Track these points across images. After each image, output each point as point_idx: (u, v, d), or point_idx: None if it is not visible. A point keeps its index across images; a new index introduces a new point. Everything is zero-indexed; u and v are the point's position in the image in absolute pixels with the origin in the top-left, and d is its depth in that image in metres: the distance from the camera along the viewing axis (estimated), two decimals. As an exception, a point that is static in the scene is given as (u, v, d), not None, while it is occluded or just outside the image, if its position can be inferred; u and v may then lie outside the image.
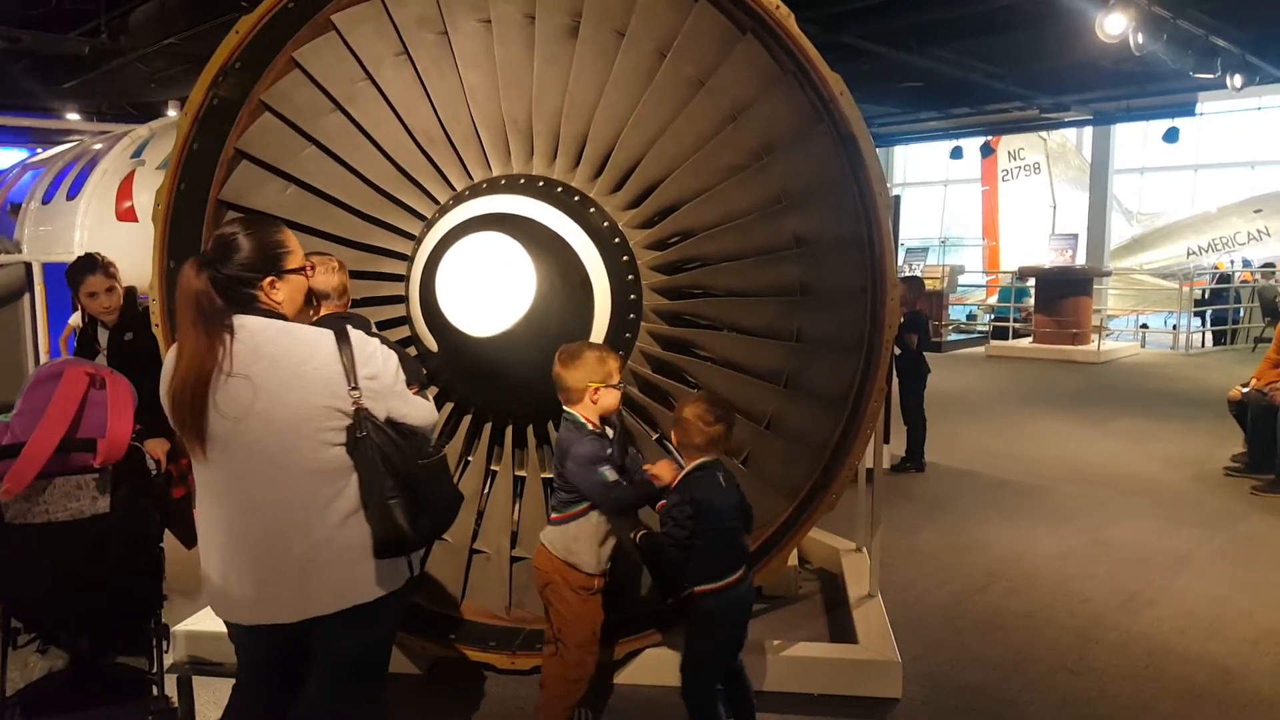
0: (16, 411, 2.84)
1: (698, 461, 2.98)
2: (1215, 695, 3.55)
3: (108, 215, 8.59)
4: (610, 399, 3.06)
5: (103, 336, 4.18)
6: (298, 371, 2.14)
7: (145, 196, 8.19)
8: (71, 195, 9.21)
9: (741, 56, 3.44)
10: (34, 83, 11.79)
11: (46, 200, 9.90)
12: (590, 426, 3.03)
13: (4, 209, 10.53)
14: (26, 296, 9.23)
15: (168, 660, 3.05)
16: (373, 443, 2.16)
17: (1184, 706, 3.48)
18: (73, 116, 13.29)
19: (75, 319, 7.26)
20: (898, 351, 6.58)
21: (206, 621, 3.87)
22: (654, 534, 2.98)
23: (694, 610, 2.97)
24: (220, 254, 2.20)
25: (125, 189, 8.50)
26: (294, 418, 2.12)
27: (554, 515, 3.13)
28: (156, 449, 3.66)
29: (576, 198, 3.54)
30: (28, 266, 9.14)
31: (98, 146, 9.75)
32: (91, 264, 4.11)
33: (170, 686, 3.05)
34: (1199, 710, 3.46)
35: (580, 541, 3.06)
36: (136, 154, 8.73)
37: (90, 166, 9.20)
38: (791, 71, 3.40)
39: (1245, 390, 6.78)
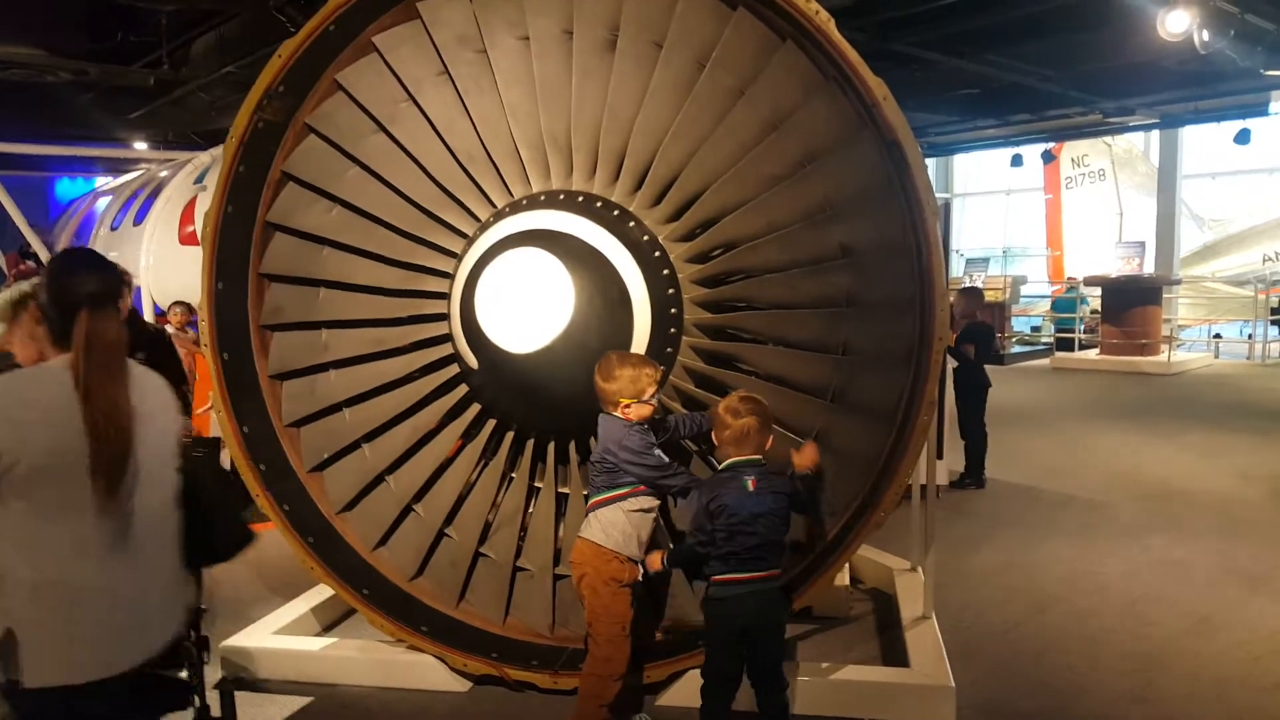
0: None
1: (727, 462, 3.02)
2: (1297, 727, 3.34)
3: (171, 239, 8.85)
4: (641, 412, 3.16)
5: None
6: (161, 402, 2.16)
7: (206, 220, 8.42)
8: (138, 221, 9.53)
9: (781, 64, 3.38)
10: (103, 114, 12.29)
11: (115, 226, 10.27)
12: (634, 423, 3.15)
13: (87, 226, 10.92)
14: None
15: (210, 673, 3.08)
16: (203, 464, 2.30)
17: (1261, 738, 3.28)
18: (140, 145, 13.79)
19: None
20: (954, 364, 6.41)
21: (252, 638, 3.92)
22: (680, 546, 3.17)
23: (705, 600, 3.04)
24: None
25: (188, 214, 8.75)
26: (166, 447, 2.15)
27: (593, 500, 3.21)
28: None
29: (616, 212, 3.51)
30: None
31: (164, 174, 10.08)
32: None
33: (210, 699, 3.06)
34: (1279, 743, 3.25)
35: (616, 526, 3.15)
36: (199, 180, 8.98)
37: (156, 193, 9.50)
38: (834, 78, 3.33)
39: None
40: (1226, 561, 5.06)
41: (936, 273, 3.24)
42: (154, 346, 4.31)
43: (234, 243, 3.84)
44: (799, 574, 3.42)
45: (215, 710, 3.06)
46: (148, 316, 9.00)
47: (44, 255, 9.88)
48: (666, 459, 3.17)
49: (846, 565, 4.18)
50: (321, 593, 4.31)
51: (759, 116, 3.44)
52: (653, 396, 3.17)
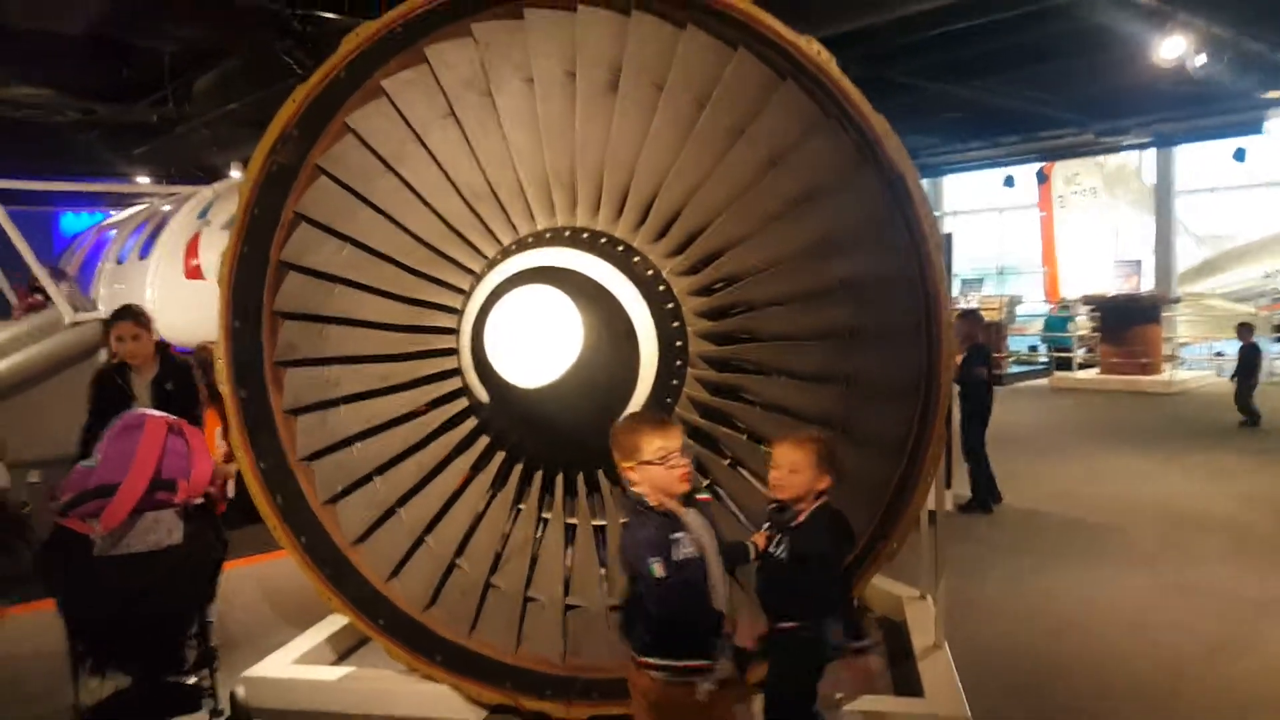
0: (101, 458, 3.22)
1: (821, 504, 2.93)
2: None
3: (176, 273, 8.90)
4: (655, 479, 2.67)
5: (138, 385, 4.52)
6: None
7: (211, 255, 8.48)
8: (143, 255, 9.59)
9: (782, 102, 3.44)
10: (106, 149, 12.42)
11: (121, 260, 10.32)
12: (650, 503, 2.68)
13: (92, 260, 11.00)
14: (103, 352, 9.63)
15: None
16: None
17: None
18: (143, 180, 13.91)
19: None
20: (958, 389, 6.46)
21: (272, 668, 3.94)
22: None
23: (797, 643, 2.89)
24: None
25: (192, 248, 8.81)
26: None
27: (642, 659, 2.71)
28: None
29: (620, 248, 3.56)
30: (104, 323, 9.54)
31: (166, 208, 10.15)
32: (125, 312, 4.62)
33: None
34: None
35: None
36: (202, 214, 9.05)
37: (160, 227, 9.56)
38: (834, 115, 3.39)
39: None
40: (1235, 586, 5.07)
41: (942, 304, 3.27)
42: (178, 376, 4.50)
43: (249, 282, 3.90)
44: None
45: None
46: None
47: (50, 289, 9.93)
48: (660, 574, 2.56)
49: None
50: (334, 622, 4.35)
51: (759, 154, 3.49)
52: (664, 455, 2.65)
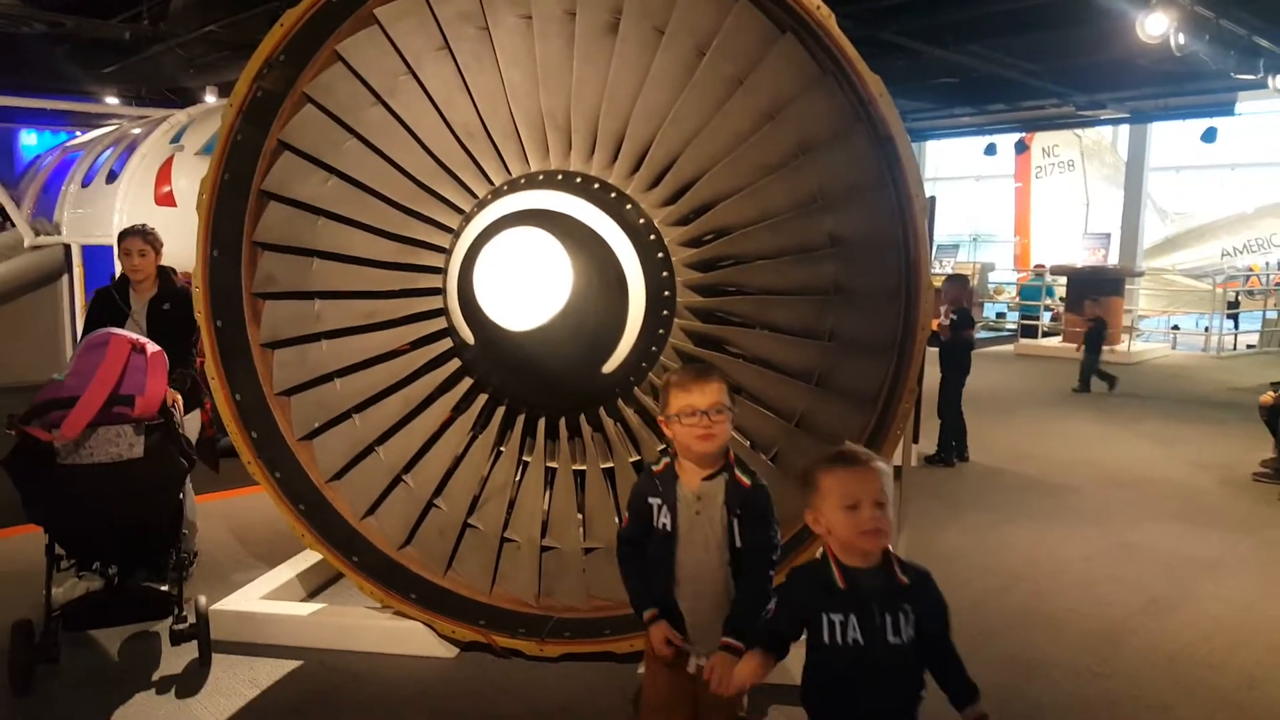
0: (70, 371, 3.41)
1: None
2: (1238, 702, 3.55)
3: (146, 199, 8.68)
4: (675, 432, 2.46)
5: (136, 303, 4.56)
6: None
7: (184, 181, 8.30)
8: (111, 179, 9.35)
9: (781, 55, 3.45)
10: (75, 67, 11.97)
11: (86, 183, 10.05)
12: (662, 459, 2.56)
13: (55, 181, 10.70)
14: (65, 277, 9.44)
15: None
16: None
17: (1206, 711, 3.48)
18: (111, 100, 13.46)
19: None
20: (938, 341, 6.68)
21: (240, 603, 3.98)
22: None
23: None
24: None
25: (164, 174, 8.59)
26: None
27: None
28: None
29: (613, 194, 3.57)
30: (66, 248, 9.34)
31: (136, 131, 9.87)
32: (135, 229, 4.63)
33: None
34: (1221, 715, 3.45)
35: None
36: (175, 139, 8.81)
37: (129, 151, 9.30)
38: (831, 71, 3.41)
39: (1277, 394, 6.72)
40: (1179, 546, 5.30)
41: (923, 265, 3.35)
42: (177, 300, 4.50)
43: (229, 210, 3.85)
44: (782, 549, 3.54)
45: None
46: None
47: (10, 210, 9.68)
48: (627, 531, 2.58)
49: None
50: (305, 559, 4.38)
51: (756, 106, 3.51)
52: (687, 413, 2.40)
